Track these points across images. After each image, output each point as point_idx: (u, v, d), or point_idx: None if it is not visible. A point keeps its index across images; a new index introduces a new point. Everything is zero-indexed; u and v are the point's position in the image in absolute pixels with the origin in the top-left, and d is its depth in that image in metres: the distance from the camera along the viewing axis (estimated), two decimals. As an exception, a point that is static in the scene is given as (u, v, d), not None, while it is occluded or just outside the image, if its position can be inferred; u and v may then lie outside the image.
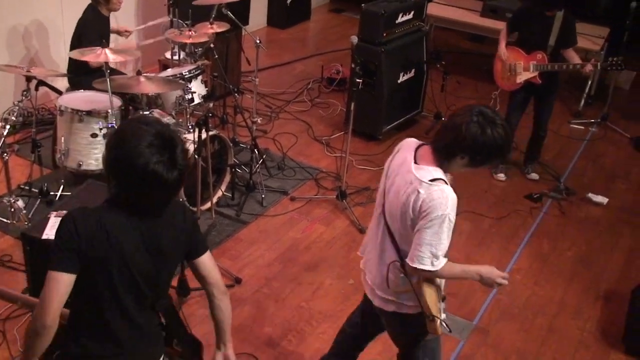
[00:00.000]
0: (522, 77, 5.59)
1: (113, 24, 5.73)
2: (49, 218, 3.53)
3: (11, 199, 4.60)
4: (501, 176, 6.03)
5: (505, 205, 5.69)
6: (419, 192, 2.68)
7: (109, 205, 2.27)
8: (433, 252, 2.70)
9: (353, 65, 5.23)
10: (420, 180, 2.70)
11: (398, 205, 2.77)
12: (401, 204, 2.75)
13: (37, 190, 5.00)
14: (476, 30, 8.20)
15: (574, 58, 5.52)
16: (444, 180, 2.74)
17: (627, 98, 7.94)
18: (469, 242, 5.20)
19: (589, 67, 5.44)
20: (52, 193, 4.97)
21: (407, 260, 2.76)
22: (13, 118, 4.43)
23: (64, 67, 5.84)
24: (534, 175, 6.07)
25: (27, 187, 5.06)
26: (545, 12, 5.42)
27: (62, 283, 2.17)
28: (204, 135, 4.39)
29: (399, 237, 2.85)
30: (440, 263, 2.73)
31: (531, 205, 5.72)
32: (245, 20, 6.52)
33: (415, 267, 2.73)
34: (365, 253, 3.15)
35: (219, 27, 5.30)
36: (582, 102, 7.55)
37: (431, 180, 2.69)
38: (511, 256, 5.10)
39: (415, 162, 2.77)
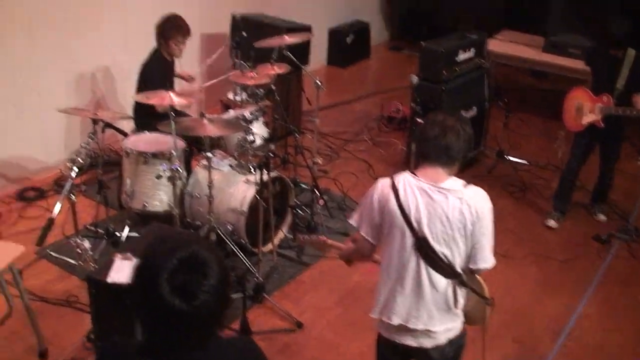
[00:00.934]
0: (586, 119, 5.39)
1: (177, 68, 5.85)
2: (113, 260, 3.57)
3: (78, 239, 4.69)
4: (552, 223, 5.81)
5: (572, 248, 5.52)
6: (465, 200, 2.80)
7: (140, 350, 1.95)
8: (492, 245, 2.91)
9: (413, 105, 5.21)
10: (458, 190, 2.82)
11: (454, 226, 2.81)
12: (457, 222, 2.80)
13: (103, 231, 5.08)
14: (538, 67, 8.07)
15: None
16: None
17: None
18: (536, 286, 5.06)
19: None
20: (117, 234, 5.06)
21: (480, 266, 2.89)
22: (80, 160, 4.52)
23: (129, 110, 5.98)
24: (602, 217, 5.89)
25: (93, 228, 5.16)
26: (610, 52, 5.26)
27: None
28: (265, 177, 4.41)
29: (461, 257, 2.88)
30: None
31: (599, 247, 5.55)
32: (305, 60, 6.57)
33: (489, 267, 2.91)
34: (398, 311, 2.99)
35: (280, 69, 5.35)
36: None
37: (464, 186, 2.85)
38: (579, 300, 4.94)
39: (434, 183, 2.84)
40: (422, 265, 2.87)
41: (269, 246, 5.01)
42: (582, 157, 5.63)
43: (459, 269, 2.89)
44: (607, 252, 5.51)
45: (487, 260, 2.89)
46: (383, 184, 2.92)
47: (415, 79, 5.02)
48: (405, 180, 2.88)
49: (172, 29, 5.38)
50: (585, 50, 5.90)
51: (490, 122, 6.75)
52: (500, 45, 8.00)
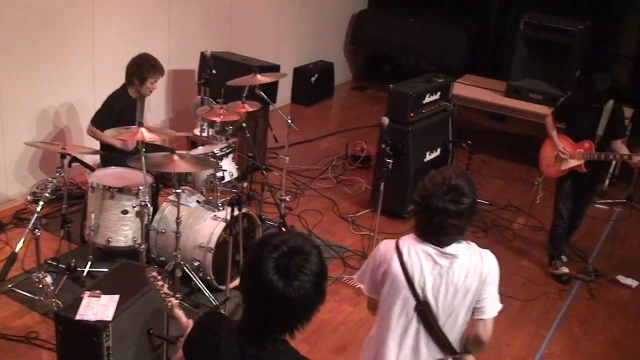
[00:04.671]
0: (567, 165, 5.53)
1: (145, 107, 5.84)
2: (82, 298, 3.51)
3: (40, 274, 4.59)
4: (564, 269, 5.85)
5: (534, 288, 5.61)
6: (471, 265, 2.79)
7: (238, 326, 2.18)
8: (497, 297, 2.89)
9: (383, 146, 5.27)
10: (463, 254, 2.79)
11: (458, 293, 2.79)
12: (462, 288, 2.79)
13: (64, 266, 4.98)
14: (500, 110, 8.26)
15: (622, 149, 5.44)
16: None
17: (651, 178, 7.91)
18: (499, 325, 5.01)
19: (637, 158, 5.32)
20: (79, 269, 4.97)
21: (486, 316, 2.86)
22: (47, 195, 4.46)
23: (92, 142, 5.92)
24: (563, 258, 5.99)
25: (54, 263, 5.05)
26: (593, 105, 5.42)
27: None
28: (236, 214, 4.40)
29: (460, 331, 2.88)
30: None
31: (560, 287, 5.65)
32: (273, 99, 6.62)
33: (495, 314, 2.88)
34: None
35: (250, 107, 5.38)
36: (607, 182, 7.51)
37: (469, 249, 2.83)
38: (542, 340, 5.00)
39: (440, 247, 2.79)
40: (422, 331, 2.85)
41: (235, 283, 4.98)
42: (569, 200, 5.68)
43: (455, 345, 2.87)
44: (567, 292, 5.61)
45: (494, 308, 2.87)
46: (386, 245, 2.90)
47: (386, 121, 5.10)
48: (409, 243, 2.84)
49: (151, 69, 5.40)
50: (564, 101, 6.14)
51: (454, 163, 6.86)
52: (464, 89, 8.17)
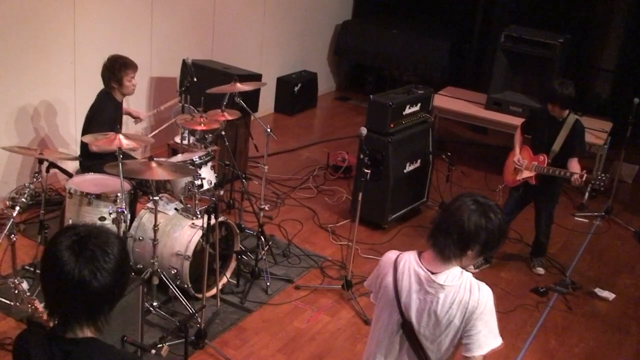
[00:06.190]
0: (521, 175, 5.68)
1: (125, 106, 5.83)
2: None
3: (16, 280, 4.56)
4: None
5: (511, 299, 5.63)
6: (457, 297, 2.71)
7: (48, 334, 2.07)
8: (492, 331, 2.75)
9: (362, 156, 5.28)
10: (452, 285, 2.72)
11: (441, 324, 2.75)
12: (444, 319, 2.73)
13: (41, 272, 4.95)
14: (480, 123, 8.33)
15: (574, 167, 5.50)
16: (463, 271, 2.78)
17: (630, 191, 7.98)
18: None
19: (575, 178, 5.40)
20: (56, 275, 4.93)
21: (474, 354, 2.72)
22: (23, 200, 4.43)
23: (72, 147, 5.89)
24: (540, 270, 6.03)
25: (32, 269, 5.03)
26: (551, 113, 5.47)
27: None
28: (213, 222, 4.39)
29: (442, 354, 2.81)
30: None
31: (537, 299, 5.67)
32: (255, 107, 6.62)
33: (485, 353, 2.73)
34: None
35: (230, 115, 5.38)
36: (586, 195, 7.57)
37: (459, 279, 2.74)
38: (519, 352, 5.02)
39: (432, 272, 2.75)
40: (407, 348, 2.84)
41: (213, 291, 4.97)
42: (511, 211, 5.81)
43: None
44: (544, 304, 5.64)
45: (482, 346, 2.73)
46: (388, 257, 2.91)
47: (364, 131, 5.14)
48: (407, 260, 2.83)
49: (122, 67, 5.39)
50: (531, 112, 6.23)
51: (434, 174, 6.90)
52: (445, 100, 8.23)
